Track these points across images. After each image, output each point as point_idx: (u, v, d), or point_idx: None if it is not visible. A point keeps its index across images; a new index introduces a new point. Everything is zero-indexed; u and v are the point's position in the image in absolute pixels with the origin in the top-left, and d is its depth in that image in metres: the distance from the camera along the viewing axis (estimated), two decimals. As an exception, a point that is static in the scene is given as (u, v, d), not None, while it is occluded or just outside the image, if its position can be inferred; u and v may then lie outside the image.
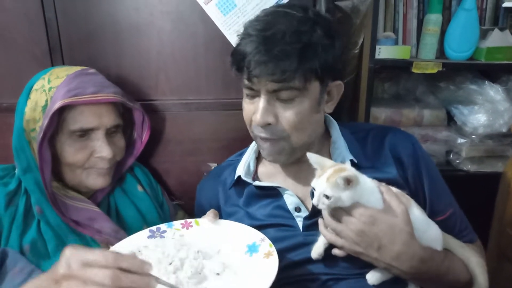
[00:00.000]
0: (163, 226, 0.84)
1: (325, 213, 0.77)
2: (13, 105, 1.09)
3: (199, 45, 1.09)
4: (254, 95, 0.82)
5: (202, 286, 0.70)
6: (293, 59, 0.75)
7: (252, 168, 0.95)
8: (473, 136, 1.38)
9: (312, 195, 0.83)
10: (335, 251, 0.78)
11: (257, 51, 0.76)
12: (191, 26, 1.08)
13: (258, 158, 0.98)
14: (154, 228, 0.83)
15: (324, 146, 0.93)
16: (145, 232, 0.82)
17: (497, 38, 1.34)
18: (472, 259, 0.82)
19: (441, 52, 1.39)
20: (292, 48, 0.76)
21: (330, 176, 0.70)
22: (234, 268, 0.75)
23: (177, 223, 0.85)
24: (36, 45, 1.08)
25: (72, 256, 0.55)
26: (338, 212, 0.74)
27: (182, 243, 0.78)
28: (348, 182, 0.69)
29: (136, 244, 0.78)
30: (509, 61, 1.34)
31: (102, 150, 0.89)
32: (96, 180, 0.92)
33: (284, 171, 0.93)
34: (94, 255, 0.55)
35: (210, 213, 0.85)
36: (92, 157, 0.90)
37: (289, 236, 0.85)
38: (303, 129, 0.83)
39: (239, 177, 0.93)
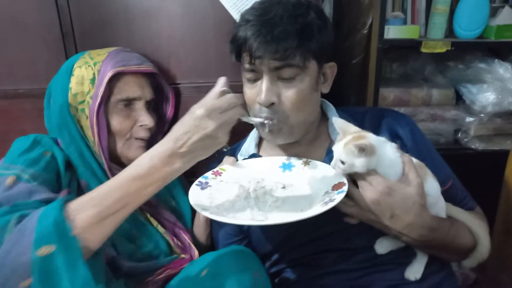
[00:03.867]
0: (201, 179, 0.85)
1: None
2: (29, 91, 1.12)
3: (208, 29, 1.10)
4: (256, 78, 0.85)
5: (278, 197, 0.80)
6: (293, 38, 0.79)
7: (252, 153, 0.98)
8: (482, 115, 1.38)
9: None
10: (348, 219, 0.80)
11: (259, 33, 0.79)
12: (201, 10, 1.09)
13: (259, 145, 1.01)
14: (197, 182, 0.84)
15: (322, 127, 0.96)
16: (195, 188, 0.82)
17: (507, 16, 1.32)
18: (474, 222, 0.85)
19: (450, 31, 1.39)
20: (291, 28, 0.79)
21: (347, 143, 0.72)
22: (287, 183, 0.83)
23: (208, 174, 0.87)
24: (48, 31, 1.10)
25: (211, 110, 0.69)
26: (358, 178, 0.76)
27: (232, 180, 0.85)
28: (363, 150, 0.71)
29: (198, 196, 0.80)
30: (520, 38, 1.34)
31: (145, 119, 0.97)
32: (136, 152, 0.98)
33: (285, 154, 0.95)
34: (224, 103, 0.71)
35: (229, 159, 0.91)
36: (136, 126, 0.97)
37: None
38: (302, 108, 0.85)
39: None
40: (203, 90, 1.15)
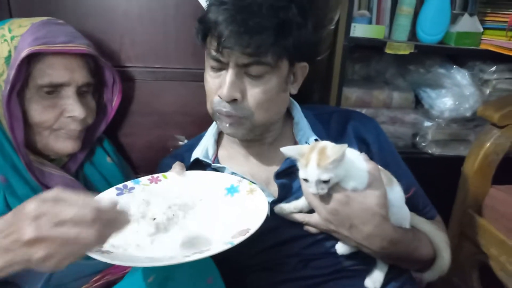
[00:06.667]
0: (129, 183, 0.78)
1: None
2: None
3: (169, 7, 1.00)
4: (221, 67, 0.77)
5: (188, 231, 0.68)
6: (270, 34, 0.72)
7: (211, 152, 0.91)
8: (439, 120, 1.41)
9: (277, 177, 0.83)
10: (308, 227, 0.77)
11: (232, 20, 0.71)
12: (161, -14, 0.99)
13: (218, 142, 0.94)
14: (120, 185, 0.77)
15: (287, 127, 0.92)
16: (112, 190, 0.75)
17: (466, 24, 1.36)
18: (436, 234, 0.84)
19: (412, 35, 1.40)
20: (269, 22, 0.72)
21: (319, 160, 0.67)
22: (221, 211, 0.73)
23: (144, 179, 0.79)
24: (-23, -4, 0.94)
25: (42, 216, 0.47)
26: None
27: (156, 195, 0.74)
28: (341, 157, 0.67)
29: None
30: (476, 46, 1.38)
31: (74, 109, 0.81)
32: (65, 144, 0.84)
33: (246, 153, 0.90)
34: (70, 211, 0.47)
35: (177, 166, 0.81)
36: (62, 117, 0.82)
37: None
38: (268, 108, 0.80)
39: (197, 160, 0.89)
40: (159, 76, 1.06)
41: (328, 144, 0.71)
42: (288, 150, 0.71)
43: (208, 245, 0.63)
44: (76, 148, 0.86)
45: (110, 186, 0.91)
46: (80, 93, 0.85)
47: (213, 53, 0.75)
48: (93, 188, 0.92)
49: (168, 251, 0.63)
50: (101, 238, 0.49)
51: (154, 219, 0.69)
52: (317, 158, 0.68)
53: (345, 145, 0.67)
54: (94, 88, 0.92)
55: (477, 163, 1.17)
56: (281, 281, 0.81)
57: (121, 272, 0.77)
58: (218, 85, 0.78)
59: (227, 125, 0.80)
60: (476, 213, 1.18)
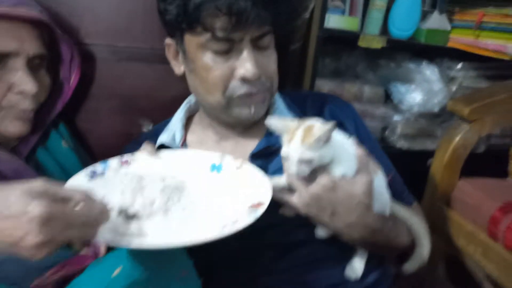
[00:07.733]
0: (98, 167, 0.71)
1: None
2: None
3: (137, -19, 0.93)
4: (229, 49, 0.72)
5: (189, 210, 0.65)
6: (282, 1, 0.72)
7: (178, 137, 0.85)
8: (408, 114, 1.42)
9: (252, 159, 0.79)
10: (284, 210, 0.73)
11: None
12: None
13: (187, 126, 0.89)
14: (89, 170, 0.69)
15: None
16: (81, 175, 0.68)
17: (435, 21, 1.39)
18: (416, 221, 0.83)
19: (383, 30, 1.40)
20: None
21: (304, 137, 0.62)
22: (217, 189, 0.69)
23: (113, 162, 0.72)
24: None
25: (52, 220, 0.44)
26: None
27: (135, 176, 0.68)
28: (330, 135, 0.63)
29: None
30: (444, 44, 1.41)
31: (24, 83, 0.72)
32: (13, 125, 0.75)
33: (219, 138, 0.85)
34: (81, 217, 0.48)
35: (148, 146, 0.76)
36: (11, 92, 0.73)
37: None
38: (276, 79, 0.80)
39: (162, 146, 0.83)
40: (123, 56, 0.98)
41: (316, 123, 0.66)
42: (274, 122, 0.66)
43: (223, 224, 0.60)
44: (25, 131, 0.77)
45: (65, 172, 0.84)
46: (32, 67, 0.76)
47: (221, 34, 0.69)
48: (45, 174, 0.83)
49: (184, 234, 0.59)
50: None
51: (152, 203, 0.64)
52: (302, 135, 0.63)
53: (333, 122, 0.62)
54: (49, 63, 0.83)
55: (446, 157, 1.18)
56: (257, 275, 0.76)
57: (80, 266, 0.69)
58: (230, 69, 0.73)
59: (253, 109, 0.76)
60: (445, 205, 1.19)
